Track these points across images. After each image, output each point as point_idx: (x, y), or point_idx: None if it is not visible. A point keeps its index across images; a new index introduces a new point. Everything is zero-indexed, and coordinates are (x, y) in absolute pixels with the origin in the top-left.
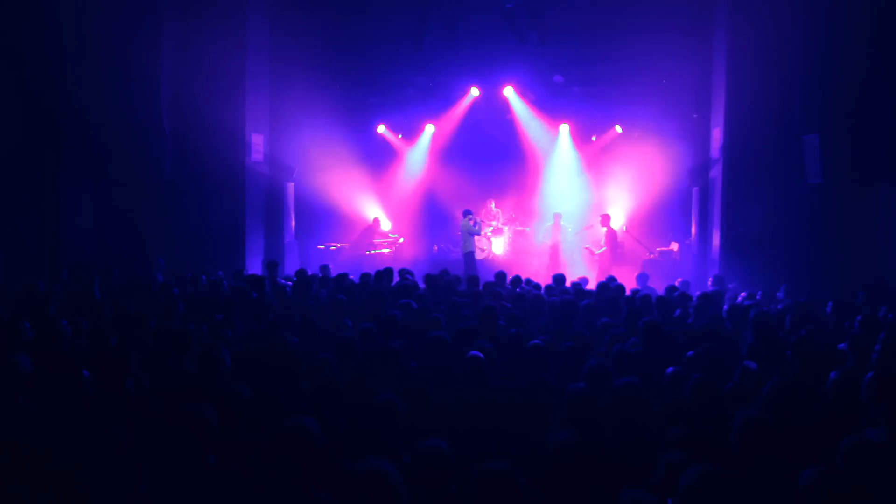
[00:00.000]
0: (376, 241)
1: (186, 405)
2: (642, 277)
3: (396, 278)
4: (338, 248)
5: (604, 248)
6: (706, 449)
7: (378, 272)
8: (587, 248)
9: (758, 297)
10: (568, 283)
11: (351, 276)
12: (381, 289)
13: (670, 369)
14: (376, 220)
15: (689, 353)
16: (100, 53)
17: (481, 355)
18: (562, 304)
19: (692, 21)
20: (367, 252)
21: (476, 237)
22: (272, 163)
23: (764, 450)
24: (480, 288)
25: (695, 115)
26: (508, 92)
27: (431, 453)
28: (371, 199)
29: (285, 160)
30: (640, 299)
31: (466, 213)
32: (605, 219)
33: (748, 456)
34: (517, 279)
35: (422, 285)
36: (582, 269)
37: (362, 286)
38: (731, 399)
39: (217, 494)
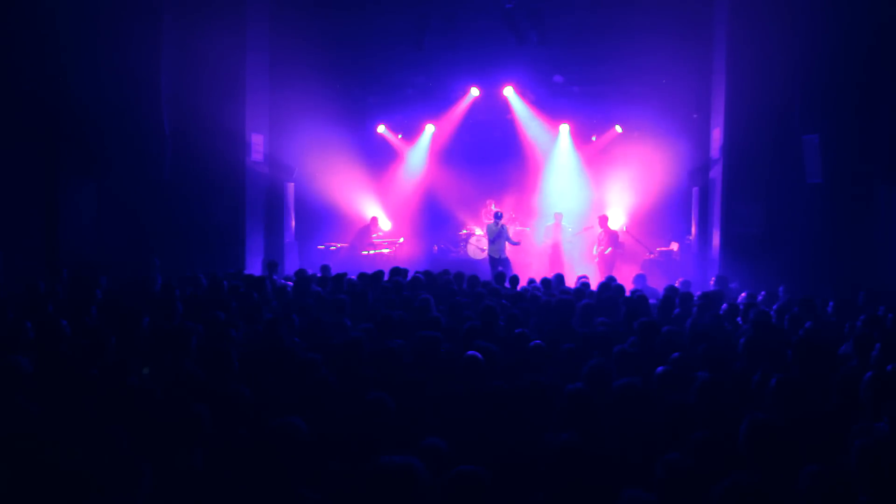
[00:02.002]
0: (375, 240)
1: (180, 404)
2: (640, 278)
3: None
4: (337, 248)
5: (609, 249)
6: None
7: (376, 272)
8: (601, 252)
9: (760, 297)
10: (571, 284)
11: (349, 277)
12: (371, 289)
13: (660, 369)
14: (374, 220)
15: (675, 354)
16: (100, 53)
17: (480, 356)
18: (558, 303)
19: (692, 21)
20: (366, 252)
21: (476, 237)
22: (272, 163)
23: (773, 452)
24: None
25: (695, 115)
26: (508, 92)
27: (430, 452)
28: (371, 199)
29: (285, 160)
30: (637, 300)
31: (497, 216)
32: (603, 220)
33: (756, 458)
34: (515, 278)
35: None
36: (582, 270)
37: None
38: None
39: (208, 494)
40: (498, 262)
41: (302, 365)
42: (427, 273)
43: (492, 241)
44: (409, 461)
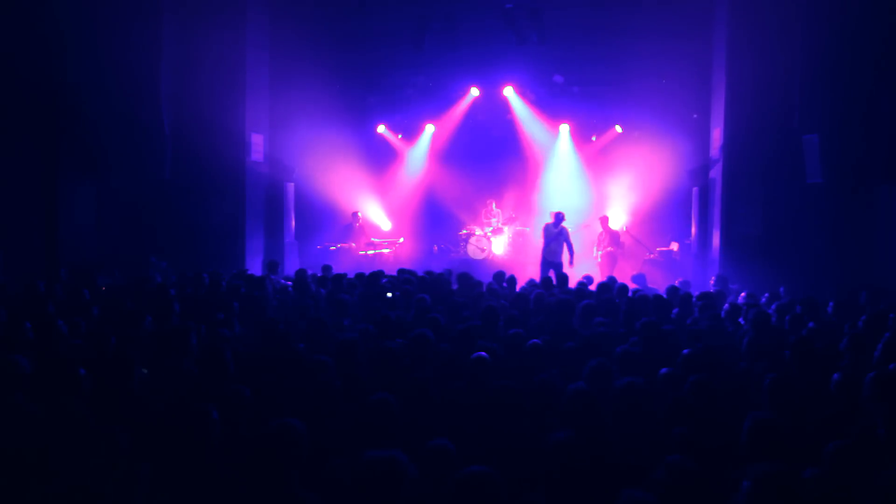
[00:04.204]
0: (360, 237)
1: (192, 403)
2: (639, 278)
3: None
4: (337, 248)
5: (609, 249)
6: (707, 448)
7: (374, 271)
8: (607, 251)
9: (763, 299)
10: (572, 283)
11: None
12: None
13: (664, 370)
14: (354, 215)
15: (685, 351)
16: (100, 52)
17: (486, 356)
18: (558, 303)
19: (692, 21)
20: (363, 252)
21: (476, 237)
22: (272, 163)
23: (773, 451)
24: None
25: (695, 115)
26: (508, 92)
27: (438, 453)
28: (371, 199)
29: (285, 160)
30: (638, 300)
31: (558, 216)
32: (604, 220)
33: (757, 457)
34: (513, 279)
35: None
36: (582, 268)
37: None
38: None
39: (206, 494)
40: (552, 265)
41: (301, 366)
42: (414, 273)
43: (548, 244)
44: (392, 454)
